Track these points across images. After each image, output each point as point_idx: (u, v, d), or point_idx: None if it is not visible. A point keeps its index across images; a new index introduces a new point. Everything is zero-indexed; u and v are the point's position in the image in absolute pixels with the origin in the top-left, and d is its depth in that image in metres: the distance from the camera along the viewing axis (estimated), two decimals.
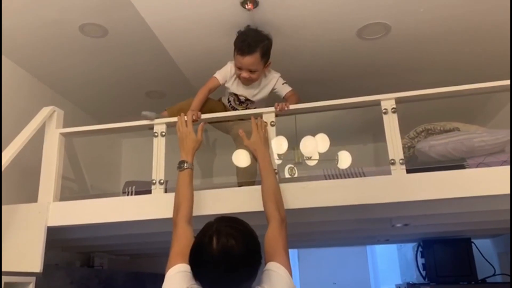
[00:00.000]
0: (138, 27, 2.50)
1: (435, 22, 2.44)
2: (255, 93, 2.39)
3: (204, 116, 2.21)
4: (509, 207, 1.98)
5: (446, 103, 2.27)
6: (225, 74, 2.37)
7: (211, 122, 2.40)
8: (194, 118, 2.12)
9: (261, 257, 1.31)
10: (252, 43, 2.20)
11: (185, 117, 2.06)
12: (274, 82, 2.39)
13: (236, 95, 2.41)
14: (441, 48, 2.73)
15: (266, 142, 1.98)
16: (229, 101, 2.47)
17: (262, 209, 1.76)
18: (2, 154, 2.06)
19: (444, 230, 3.18)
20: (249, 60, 2.21)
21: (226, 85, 2.39)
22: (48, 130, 2.30)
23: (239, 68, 2.26)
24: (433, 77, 2.99)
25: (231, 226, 1.30)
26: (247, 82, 2.33)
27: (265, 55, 2.26)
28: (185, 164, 1.83)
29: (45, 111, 2.29)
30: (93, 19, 2.49)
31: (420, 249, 3.82)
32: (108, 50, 2.82)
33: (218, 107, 2.47)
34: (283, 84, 2.40)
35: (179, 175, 1.82)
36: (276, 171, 2.02)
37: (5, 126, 2.71)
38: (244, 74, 2.26)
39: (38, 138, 2.26)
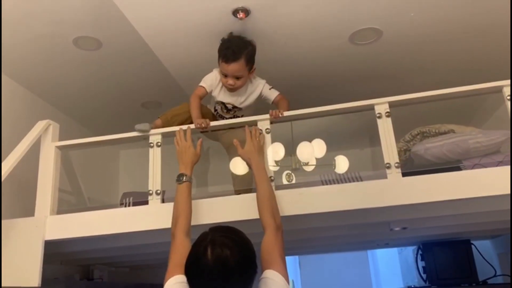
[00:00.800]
0: (132, 39, 2.51)
1: (426, 25, 2.46)
2: (242, 100, 2.40)
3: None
4: (508, 207, 1.98)
5: (441, 105, 2.28)
6: (211, 81, 2.37)
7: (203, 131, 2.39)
8: (204, 126, 2.15)
9: (256, 266, 1.31)
10: (237, 50, 2.21)
11: (184, 130, 2.07)
12: (261, 87, 2.39)
13: (223, 103, 2.41)
14: (433, 50, 2.75)
15: (261, 150, 1.99)
16: (215, 110, 2.47)
17: (258, 217, 1.76)
18: None
19: (443, 233, 3.18)
20: (234, 67, 2.22)
21: (212, 94, 2.39)
22: (44, 143, 2.30)
23: (224, 75, 2.27)
24: (427, 80, 3.01)
25: (225, 236, 1.30)
26: (232, 89, 2.33)
27: (250, 61, 2.27)
28: (184, 177, 1.85)
29: (41, 124, 2.29)
30: (87, 32, 2.50)
31: (420, 252, 3.81)
32: (103, 62, 2.83)
33: (208, 114, 2.47)
34: (270, 89, 2.41)
35: (178, 188, 1.83)
36: (272, 177, 2.03)
37: (2, 140, 2.71)
38: (230, 81, 2.26)
39: (34, 151, 2.26)
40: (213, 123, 2.31)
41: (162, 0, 2.11)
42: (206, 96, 2.42)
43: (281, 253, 1.56)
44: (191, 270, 1.30)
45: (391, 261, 5.62)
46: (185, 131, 2.06)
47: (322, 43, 2.58)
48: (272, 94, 2.39)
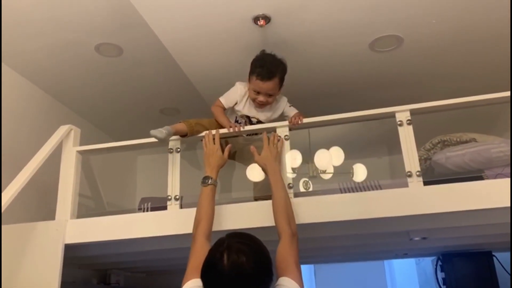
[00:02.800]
0: (152, 46, 2.54)
1: (448, 32, 2.44)
2: (268, 115, 2.38)
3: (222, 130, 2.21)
4: None
5: (463, 113, 2.25)
6: (232, 98, 2.35)
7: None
8: (237, 129, 2.16)
9: (272, 273, 1.30)
10: (272, 69, 2.20)
11: (213, 133, 2.07)
12: (284, 105, 2.39)
13: (248, 117, 2.40)
14: (455, 57, 2.72)
15: (277, 157, 1.97)
16: (239, 123, 2.45)
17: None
18: (21, 172, 2.09)
19: (464, 243, 3.12)
20: (269, 85, 2.21)
21: (236, 107, 2.37)
22: (65, 148, 2.33)
23: (257, 92, 2.25)
24: (448, 88, 2.97)
25: (242, 242, 1.29)
26: (261, 106, 2.32)
27: (282, 80, 2.27)
28: (209, 180, 1.86)
29: (62, 129, 2.33)
30: (108, 39, 2.54)
31: (439, 263, 3.74)
32: (123, 68, 2.87)
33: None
34: (290, 106, 2.40)
35: (202, 190, 1.84)
36: (290, 185, 2.01)
37: (23, 144, 2.77)
38: (261, 98, 2.25)
39: (55, 156, 2.29)
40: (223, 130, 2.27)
41: (184, 7, 2.13)
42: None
43: (296, 260, 1.54)
44: (207, 275, 1.29)
45: (409, 272, 5.52)
46: (214, 134, 2.06)
47: (342, 50, 2.57)
48: (291, 112, 2.39)
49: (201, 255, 1.48)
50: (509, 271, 3.58)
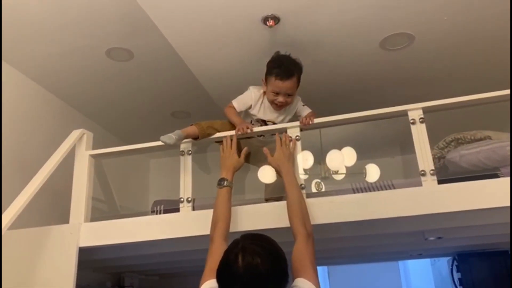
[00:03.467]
0: (163, 49, 2.56)
1: (460, 29, 2.41)
2: (282, 117, 2.37)
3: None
4: None
5: (476, 111, 2.21)
6: (245, 102, 2.34)
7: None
8: (249, 130, 2.16)
9: (288, 275, 1.30)
10: (291, 67, 2.20)
11: (231, 137, 2.08)
12: (298, 104, 2.38)
13: (263, 121, 2.38)
14: (468, 54, 2.69)
15: (290, 157, 1.97)
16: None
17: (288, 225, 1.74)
18: (35, 177, 2.11)
19: (480, 243, 3.07)
20: (289, 84, 2.21)
21: (250, 111, 2.36)
22: (78, 152, 2.35)
23: (276, 93, 2.24)
24: (460, 85, 2.93)
25: (256, 243, 1.29)
26: (279, 108, 2.30)
27: (299, 80, 2.27)
28: (225, 182, 1.88)
29: (75, 134, 2.35)
30: (119, 43, 2.56)
31: (455, 263, 3.69)
32: (134, 72, 2.89)
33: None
34: (303, 106, 2.39)
35: (218, 192, 1.86)
36: (303, 185, 2.00)
37: (37, 149, 2.80)
38: (281, 99, 2.24)
39: (68, 160, 2.31)
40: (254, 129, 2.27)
41: (193, 10, 2.14)
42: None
43: (312, 261, 1.54)
44: (222, 276, 1.29)
45: (424, 272, 5.46)
46: (231, 138, 2.08)
47: (352, 50, 2.56)
48: (305, 111, 2.37)
49: (219, 256, 1.48)
50: None
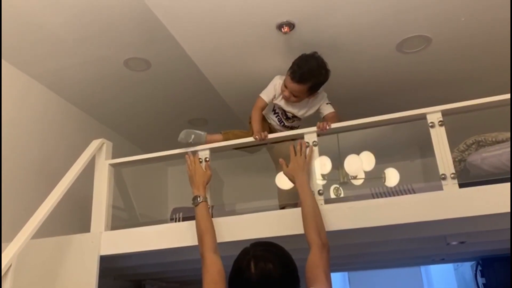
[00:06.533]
0: (179, 58, 2.59)
1: (478, 30, 2.37)
2: (303, 112, 2.39)
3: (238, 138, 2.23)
4: None
5: (497, 112, 2.17)
6: (271, 91, 2.38)
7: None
8: (263, 137, 2.19)
9: (299, 279, 1.31)
10: (307, 74, 2.21)
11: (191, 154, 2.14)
12: (321, 101, 2.39)
13: (284, 110, 2.41)
14: (486, 55, 2.64)
15: (305, 167, 1.95)
16: (276, 113, 2.47)
17: (299, 232, 1.74)
18: (57, 186, 2.14)
19: (505, 247, 2.99)
20: (296, 87, 2.24)
21: (274, 101, 2.40)
22: (98, 161, 2.39)
23: (285, 86, 2.28)
24: (479, 87, 2.88)
25: (267, 250, 1.33)
26: (286, 100, 2.34)
27: (314, 88, 2.28)
28: (199, 198, 1.91)
29: (95, 143, 2.38)
30: (137, 53, 2.60)
31: (479, 268, 3.61)
32: (151, 82, 2.93)
33: (265, 129, 2.47)
34: (327, 104, 2.40)
35: (196, 210, 1.89)
36: (321, 191, 1.99)
37: (59, 159, 2.85)
38: (286, 93, 2.28)
39: (88, 169, 2.35)
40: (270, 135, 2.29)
41: (208, 18, 2.16)
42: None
43: (325, 271, 1.54)
44: (235, 285, 1.30)
45: (447, 278, 5.36)
46: (192, 155, 2.13)
47: (368, 53, 2.54)
48: (327, 110, 2.38)
49: (214, 269, 1.53)
50: None
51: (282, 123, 2.46)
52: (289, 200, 2.24)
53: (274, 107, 2.46)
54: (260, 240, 1.43)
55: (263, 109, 2.41)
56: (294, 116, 2.41)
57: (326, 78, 2.28)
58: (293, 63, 2.25)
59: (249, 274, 1.26)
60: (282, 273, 1.27)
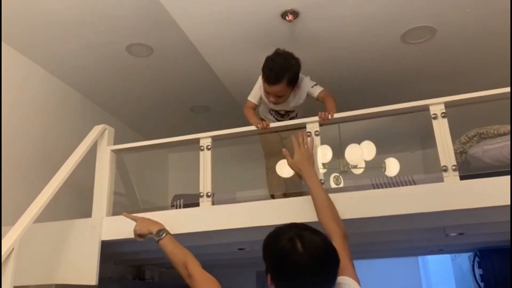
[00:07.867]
0: (182, 45, 2.57)
1: (484, 21, 2.35)
2: (293, 104, 2.37)
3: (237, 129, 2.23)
4: None
5: (500, 105, 2.17)
6: (257, 92, 2.38)
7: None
8: (264, 126, 2.20)
9: (339, 257, 1.27)
10: (279, 73, 2.19)
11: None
12: (307, 87, 2.35)
13: (275, 110, 2.41)
14: (491, 47, 2.63)
15: (310, 158, 1.93)
16: (271, 114, 2.47)
17: (311, 220, 1.74)
18: (58, 172, 2.15)
19: (502, 239, 3.01)
20: (276, 89, 2.22)
21: (264, 101, 2.39)
22: (100, 147, 2.38)
23: (267, 92, 2.27)
24: (483, 79, 2.88)
25: (304, 228, 1.26)
26: (275, 104, 2.33)
27: (292, 82, 2.25)
28: (163, 232, 1.83)
29: (97, 129, 2.38)
30: (139, 39, 2.59)
31: (477, 259, 3.64)
32: (154, 68, 2.92)
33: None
34: (312, 86, 2.35)
35: (164, 244, 1.81)
36: (322, 180, 1.99)
37: (60, 144, 2.86)
38: (272, 99, 2.27)
39: (90, 155, 2.35)
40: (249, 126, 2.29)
41: (212, 5, 2.14)
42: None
43: (351, 259, 1.53)
44: (282, 268, 1.22)
45: (444, 268, 5.40)
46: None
47: (372, 43, 2.53)
48: (315, 91, 2.35)
49: (207, 280, 1.51)
50: None
51: (279, 121, 2.44)
52: (278, 190, 2.25)
53: (269, 111, 2.45)
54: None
55: (254, 108, 2.40)
56: (287, 111, 2.40)
57: (299, 67, 2.26)
58: (263, 68, 2.24)
59: (299, 253, 1.18)
60: (328, 247, 1.23)
